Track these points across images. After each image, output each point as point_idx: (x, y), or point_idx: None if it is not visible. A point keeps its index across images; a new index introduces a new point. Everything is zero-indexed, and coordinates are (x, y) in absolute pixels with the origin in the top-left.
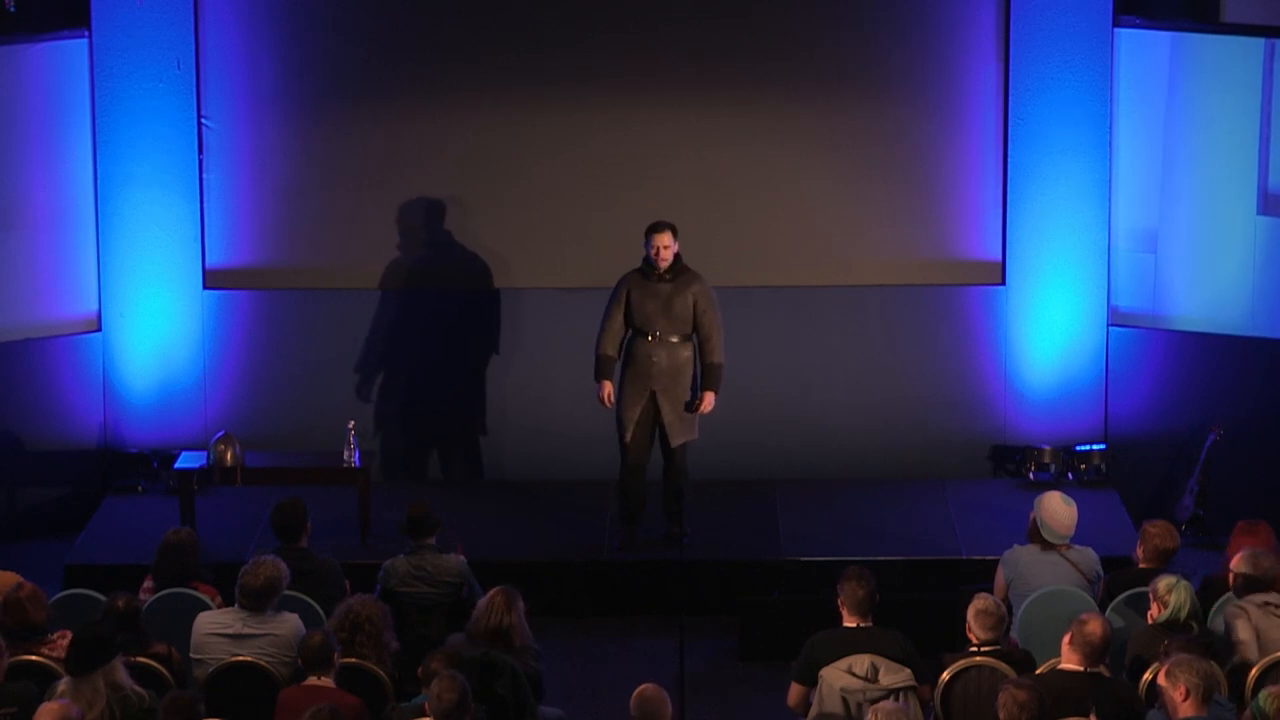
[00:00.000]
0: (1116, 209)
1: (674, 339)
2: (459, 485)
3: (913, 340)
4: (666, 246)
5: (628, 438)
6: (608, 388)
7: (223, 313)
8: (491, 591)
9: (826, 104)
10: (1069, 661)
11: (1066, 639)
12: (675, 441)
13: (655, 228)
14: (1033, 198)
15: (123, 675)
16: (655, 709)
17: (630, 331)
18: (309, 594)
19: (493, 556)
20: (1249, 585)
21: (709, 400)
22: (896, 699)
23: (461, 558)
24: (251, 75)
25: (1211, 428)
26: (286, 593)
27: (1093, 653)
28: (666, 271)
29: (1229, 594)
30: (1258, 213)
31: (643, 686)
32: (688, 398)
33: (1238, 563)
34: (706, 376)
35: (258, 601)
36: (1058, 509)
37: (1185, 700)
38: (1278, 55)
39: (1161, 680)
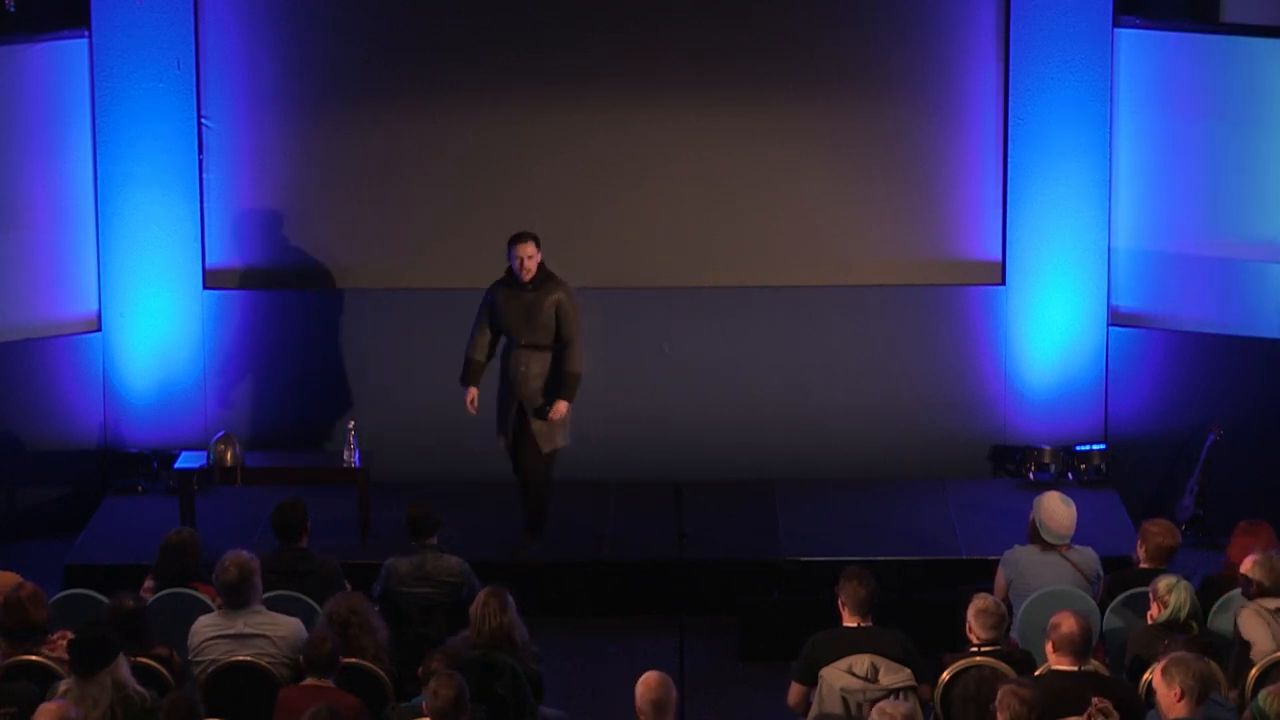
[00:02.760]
0: (1117, 209)
1: (536, 347)
2: (459, 485)
3: (913, 340)
4: (530, 257)
5: (500, 445)
6: (471, 393)
7: (223, 313)
8: (482, 594)
9: (826, 104)
10: (1060, 664)
11: (1049, 646)
12: (545, 448)
13: (518, 238)
14: (1033, 198)
15: (127, 675)
16: (664, 695)
17: (502, 340)
18: (309, 594)
19: (493, 556)
20: (1261, 591)
21: (560, 409)
22: (896, 699)
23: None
24: (251, 75)
25: (1211, 428)
26: (287, 593)
27: (1077, 649)
28: (530, 281)
29: (1232, 593)
30: None
31: (647, 674)
32: (542, 402)
33: (1251, 567)
34: (562, 384)
35: (239, 595)
36: (1056, 509)
37: (1179, 701)
38: None
39: (1157, 678)
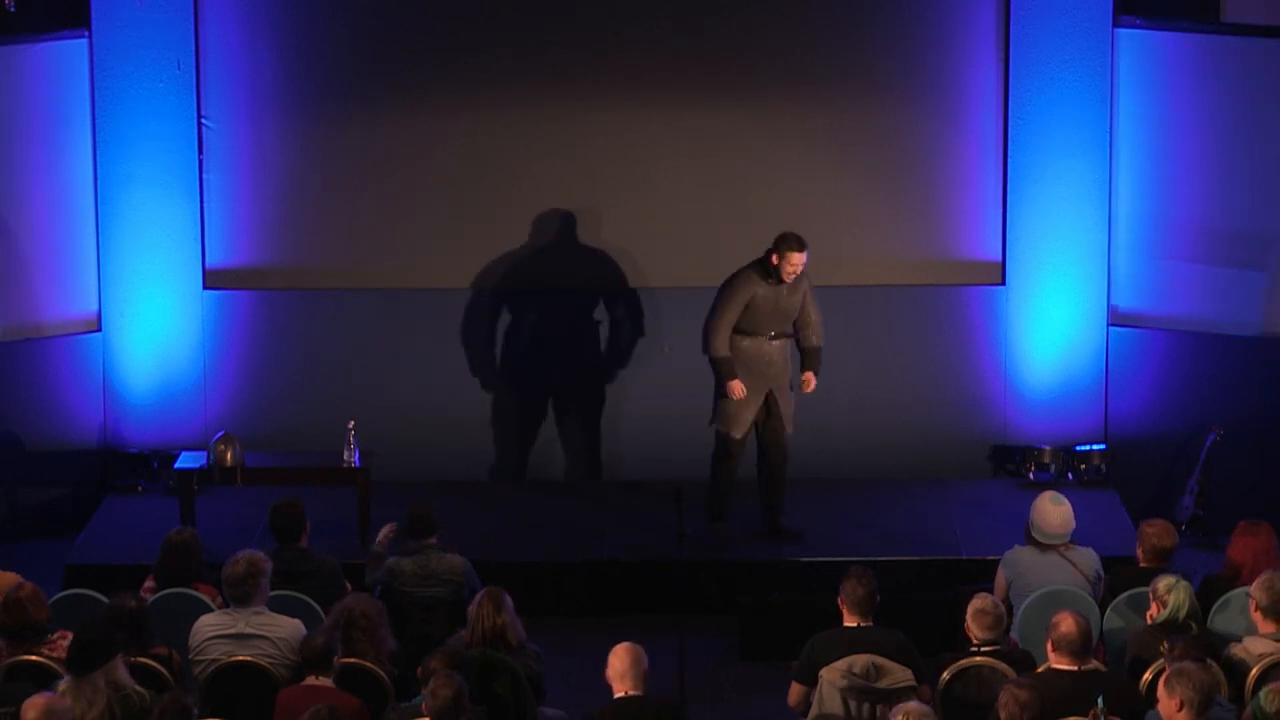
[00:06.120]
0: (1117, 209)
1: (785, 336)
2: (459, 485)
3: (913, 340)
4: (802, 265)
5: (740, 435)
6: (741, 386)
7: (223, 313)
8: (479, 595)
9: (827, 104)
10: (1060, 664)
11: (1049, 646)
12: (790, 428)
13: (801, 246)
14: (1033, 198)
15: (123, 674)
16: (637, 656)
17: (736, 334)
18: (309, 594)
19: (493, 556)
20: (1261, 612)
21: (813, 381)
22: (896, 699)
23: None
24: (251, 75)
25: (1211, 428)
26: (287, 593)
27: (1076, 649)
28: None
29: (1232, 593)
30: None
31: (616, 646)
32: (787, 381)
33: (1256, 586)
34: (812, 358)
35: (244, 589)
36: (1047, 509)
37: (1179, 711)
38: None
39: (1160, 687)
